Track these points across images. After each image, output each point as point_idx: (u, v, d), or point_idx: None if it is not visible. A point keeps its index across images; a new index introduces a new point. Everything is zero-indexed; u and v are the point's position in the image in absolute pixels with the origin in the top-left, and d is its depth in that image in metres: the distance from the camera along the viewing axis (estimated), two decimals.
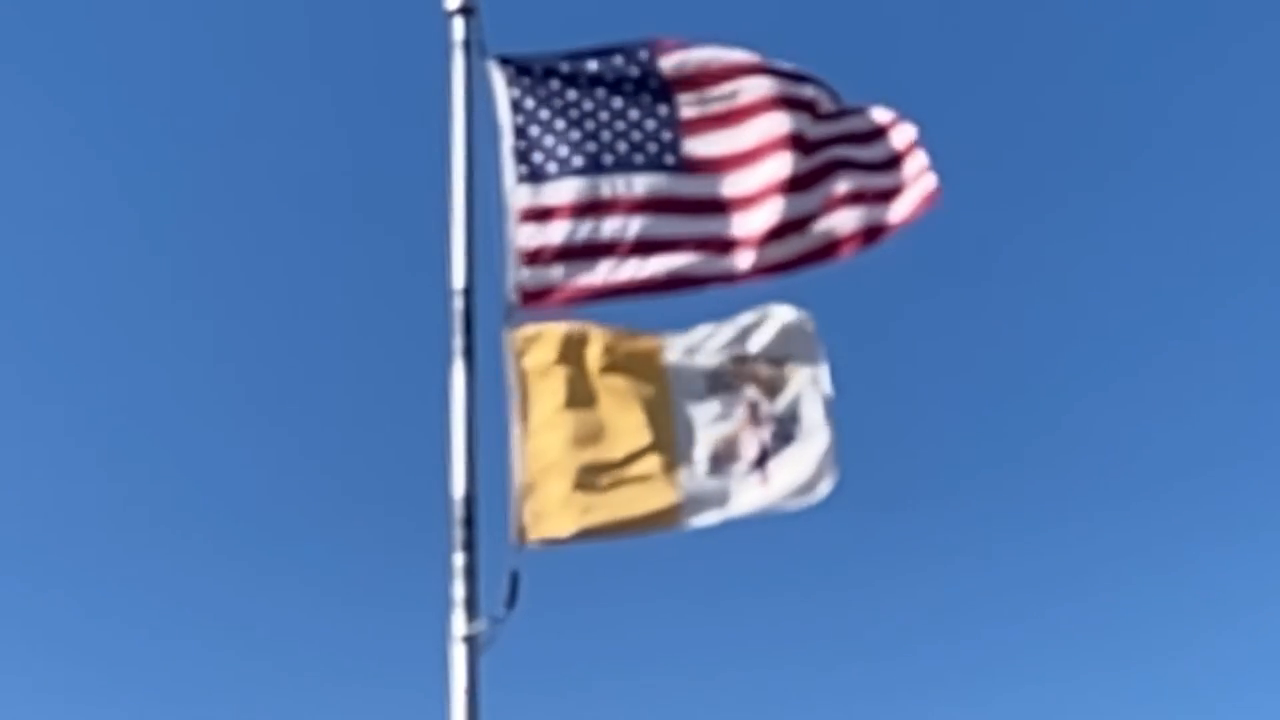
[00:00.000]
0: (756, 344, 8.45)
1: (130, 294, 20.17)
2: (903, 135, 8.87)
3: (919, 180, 8.75)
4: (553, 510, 8.05)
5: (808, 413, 8.36)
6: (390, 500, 18.65)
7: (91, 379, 20.06)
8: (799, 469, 8.26)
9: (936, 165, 8.79)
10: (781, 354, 8.45)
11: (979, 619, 19.90)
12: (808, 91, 8.86)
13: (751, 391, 8.37)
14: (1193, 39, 21.50)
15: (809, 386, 8.41)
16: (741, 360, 8.42)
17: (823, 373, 8.42)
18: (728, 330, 8.47)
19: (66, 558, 19.16)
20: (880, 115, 8.94)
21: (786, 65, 8.90)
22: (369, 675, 17.97)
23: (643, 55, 8.79)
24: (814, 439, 8.32)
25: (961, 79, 21.35)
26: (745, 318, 8.50)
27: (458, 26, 8.58)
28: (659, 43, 8.84)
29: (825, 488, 8.28)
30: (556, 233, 8.44)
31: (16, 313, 20.00)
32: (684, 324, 8.54)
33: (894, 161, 8.81)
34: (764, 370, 8.41)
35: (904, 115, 8.94)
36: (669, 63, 8.79)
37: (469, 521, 7.84)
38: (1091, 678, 19.18)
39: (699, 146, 8.69)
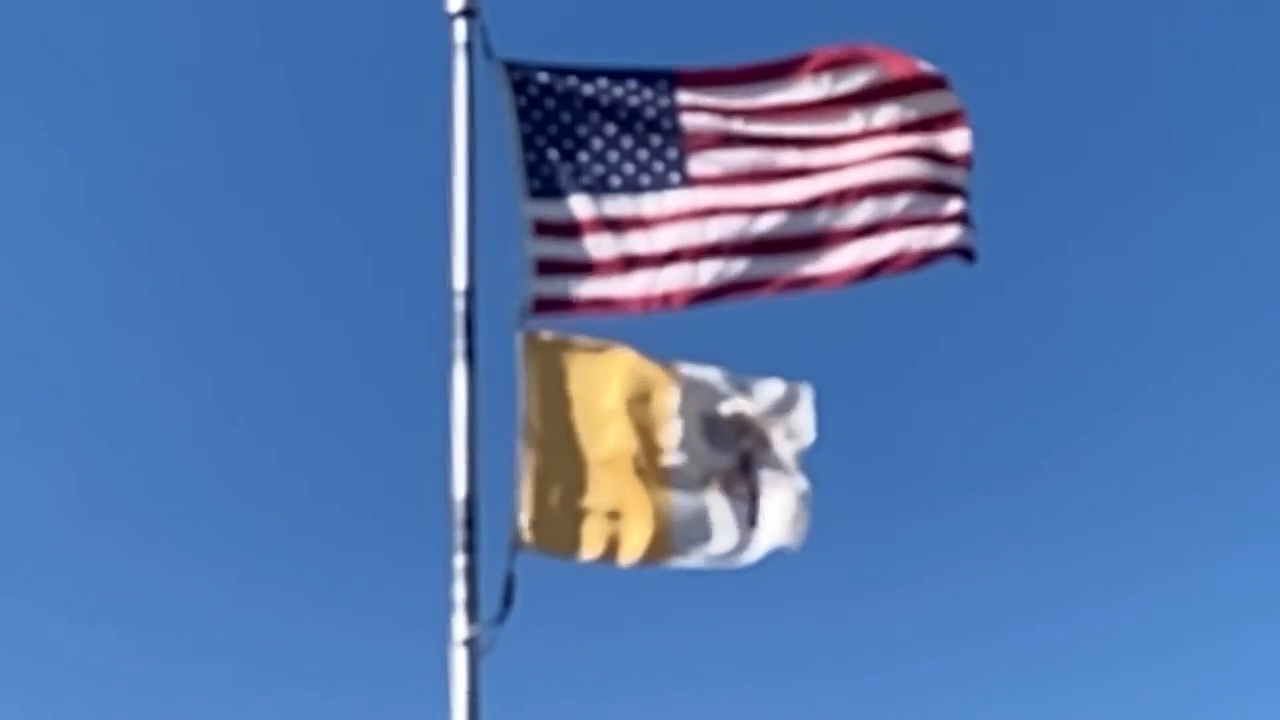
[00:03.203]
0: (754, 393, 8.46)
1: (132, 296, 20.19)
2: (957, 171, 8.70)
3: (949, 226, 8.63)
4: (552, 524, 8.07)
5: (789, 461, 8.41)
6: (391, 502, 18.66)
7: (92, 381, 20.06)
8: (780, 516, 8.32)
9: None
10: (773, 405, 8.48)
11: (996, 623, 19.91)
12: (843, 112, 8.76)
13: (746, 441, 8.40)
14: (1250, 38, 21.42)
15: (792, 436, 8.44)
16: (739, 409, 8.43)
17: (808, 421, 8.45)
18: (731, 380, 8.47)
19: (61, 560, 19.16)
20: (923, 138, 8.73)
21: (826, 85, 8.80)
22: (369, 678, 17.97)
23: (661, 84, 8.76)
24: (792, 487, 8.37)
25: (979, 75, 21.26)
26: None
27: (459, 29, 8.57)
28: (680, 73, 8.80)
29: (796, 537, 8.33)
30: (568, 246, 8.46)
31: (8, 314, 20.03)
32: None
33: (937, 189, 8.69)
34: (758, 420, 8.43)
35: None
36: (686, 96, 8.74)
37: (470, 523, 7.84)
38: (1111, 682, 19.18)
39: (706, 165, 8.67)
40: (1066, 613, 19.84)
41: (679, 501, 8.26)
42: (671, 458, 8.32)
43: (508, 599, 7.83)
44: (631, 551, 8.16)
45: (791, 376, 8.62)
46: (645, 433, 8.34)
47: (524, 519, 8.03)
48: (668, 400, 8.40)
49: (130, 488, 19.88)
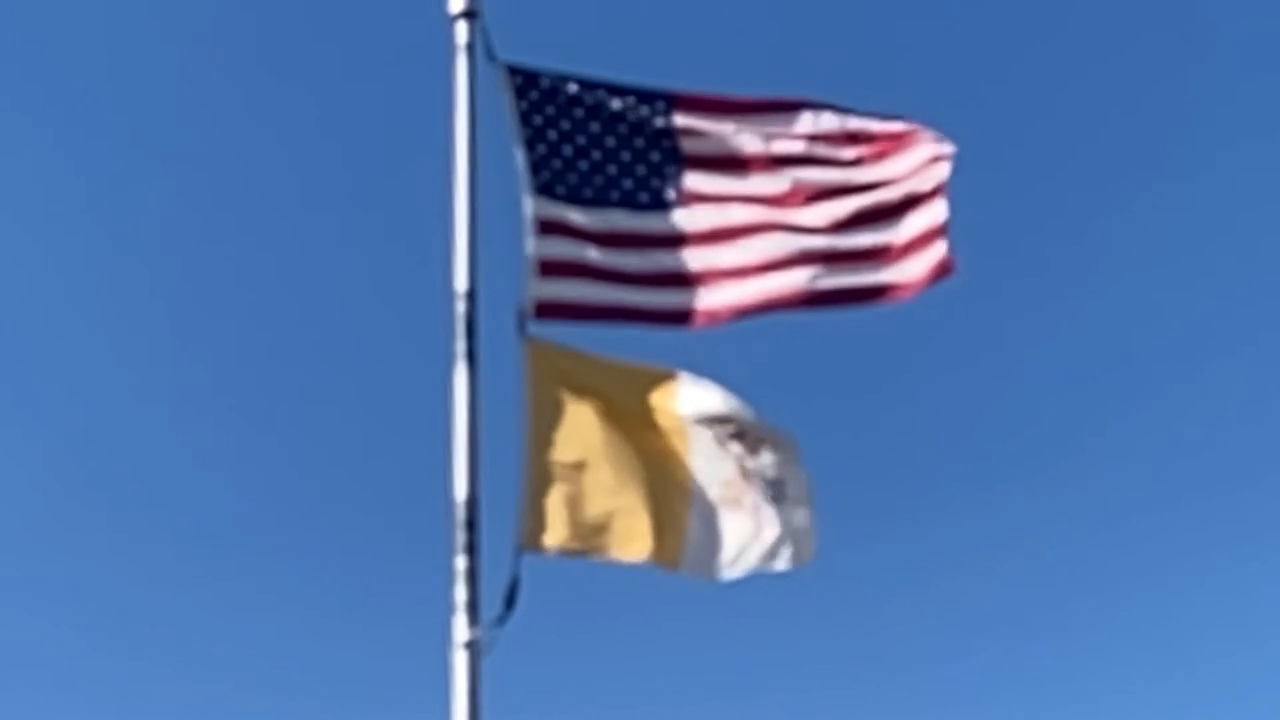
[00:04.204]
0: (748, 412, 8.49)
1: (132, 297, 20.18)
2: (932, 177, 8.76)
3: (932, 245, 8.68)
4: (558, 525, 8.09)
5: (792, 484, 8.46)
6: (392, 504, 18.66)
7: (93, 382, 20.06)
8: (787, 532, 8.38)
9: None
10: (769, 426, 8.52)
11: (995, 635, 19.85)
12: (832, 141, 8.80)
13: (737, 448, 8.41)
14: (1262, 38, 21.35)
15: (792, 462, 8.49)
16: (737, 421, 8.44)
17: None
18: (728, 396, 8.49)
19: (56, 564, 19.15)
20: (913, 156, 8.79)
21: (817, 116, 8.83)
22: (369, 680, 17.96)
23: (659, 105, 8.75)
24: (800, 510, 8.44)
25: (1007, 78, 21.30)
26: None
27: (461, 30, 8.58)
28: (679, 97, 8.79)
29: (806, 556, 8.42)
30: (572, 247, 8.48)
31: (13, 313, 20.03)
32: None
33: (914, 206, 8.74)
34: (755, 434, 8.44)
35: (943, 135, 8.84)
36: (683, 119, 8.74)
37: (471, 525, 7.84)
38: (1118, 696, 19.14)
39: (703, 185, 8.69)
40: (1076, 623, 19.80)
41: (688, 506, 8.28)
42: (681, 465, 8.34)
43: (511, 600, 7.83)
44: (639, 550, 8.17)
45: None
46: (653, 439, 8.35)
47: (529, 521, 8.03)
48: (675, 409, 8.40)
49: (130, 489, 19.87)
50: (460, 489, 7.90)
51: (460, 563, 7.79)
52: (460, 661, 7.68)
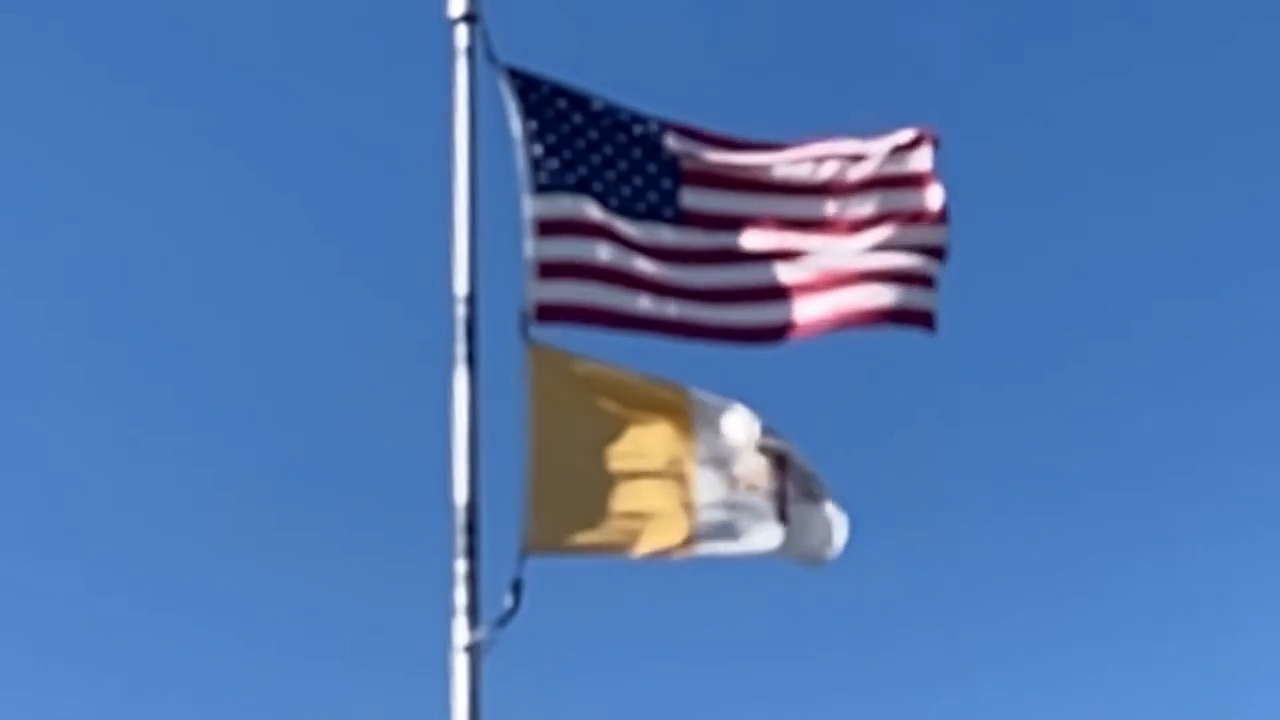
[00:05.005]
0: (753, 418, 8.51)
1: (128, 298, 20.20)
2: (934, 234, 8.77)
3: (924, 293, 8.70)
4: (562, 525, 8.09)
5: (815, 482, 8.49)
6: (392, 507, 18.65)
7: (92, 382, 20.07)
8: (817, 527, 8.42)
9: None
10: (771, 429, 8.54)
11: (975, 611, 19.88)
12: (827, 169, 8.81)
13: (778, 443, 8.42)
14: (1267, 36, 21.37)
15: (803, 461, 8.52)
16: (743, 424, 8.48)
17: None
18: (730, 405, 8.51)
19: (52, 568, 19.14)
20: (921, 198, 8.78)
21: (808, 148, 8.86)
22: (369, 683, 17.96)
23: (653, 126, 8.75)
24: (830, 508, 8.47)
25: (1009, 77, 21.32)
26: None
27: (461, 34, 8.58)
28: (670, 125, 8.77)
29: (831, 553, 8.45)
30: (573, 246, 8.47)
31: (21, 304, 20.05)
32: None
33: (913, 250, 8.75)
34: (763, 435, 8.47)
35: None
36: (676, 144, 8.73)
37: (471, 528, 7.85)
38: (1090, 676, 19.16)
39: (700, 201, 8.70)
40: (1053, 598, 19.89)
41: (693, 504, 8.28)
42: (687, 462, 8.34)
43: (516, 601, 7.82)
44: (642, 548, 8.17)
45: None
46: (658, 437, 8.35)
47: (532, 524, 8.02)
48: (683, 409, 8.42)
49: (129, 492, 19.88)
50: (460, 493, 7.90)
51: (460, 566, 7.79)
52: (460, 665, 7.69)
